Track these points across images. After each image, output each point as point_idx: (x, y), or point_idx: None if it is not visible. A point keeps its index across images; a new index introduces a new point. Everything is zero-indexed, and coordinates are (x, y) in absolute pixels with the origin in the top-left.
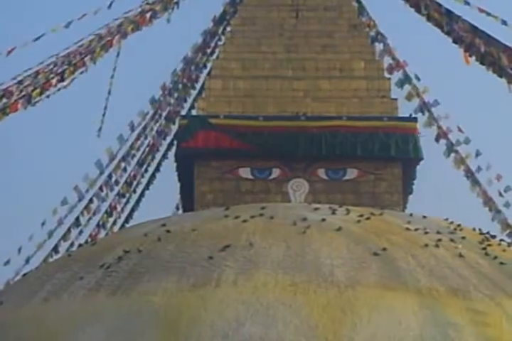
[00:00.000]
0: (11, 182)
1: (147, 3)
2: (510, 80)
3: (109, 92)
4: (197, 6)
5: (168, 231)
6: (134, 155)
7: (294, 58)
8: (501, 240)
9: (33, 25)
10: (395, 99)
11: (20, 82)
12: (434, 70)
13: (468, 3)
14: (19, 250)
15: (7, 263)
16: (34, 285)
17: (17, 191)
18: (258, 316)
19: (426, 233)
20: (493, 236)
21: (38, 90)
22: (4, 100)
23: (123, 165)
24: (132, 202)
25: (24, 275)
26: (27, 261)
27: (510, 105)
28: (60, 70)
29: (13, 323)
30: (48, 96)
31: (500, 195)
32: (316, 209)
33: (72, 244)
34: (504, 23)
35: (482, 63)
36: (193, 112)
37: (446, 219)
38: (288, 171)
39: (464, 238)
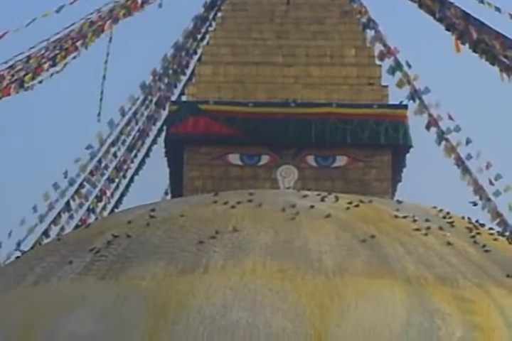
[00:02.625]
0: (2, 166)
1: None
2: (503, 68)
3: (104, 77)
4: None
5: (156, 216)
6: (124, 141)
7: (285, 44)
8: (490, 229)
9: (24, 10)
10: (386, 86)
11: (11, 67)
12: (425, 57)
13: None
14: (9, 234)
15: None
16: (24, 268)
17: (8, 175)
18: (246, 302)
19: (415, 221)
20: (482, 225)
21: (30, 75)
22: None
23: (113, 150)
24: (122, 187)
25: (15, 258)
26: (18, 244)
27: (502, 93)
28: (51, 55)
29: (1, 306)
30: (40, 82)
31: (491, 183)
32: (305, 196)
33: (62, 228)
34: (498, 10)
35: (475, 51)
36: (183, 98)
37: (435, 207)
38: (277, 158)
39: (452, 226)
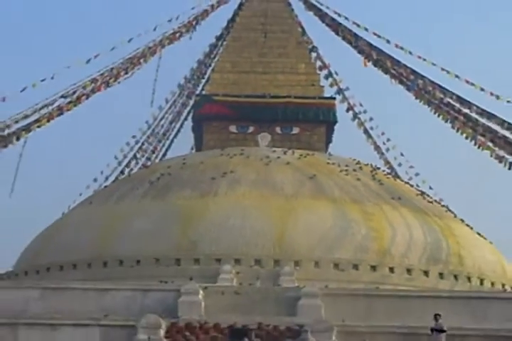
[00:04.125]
0: (99, 135)
1: (178, 27)
2: (393, 77)
3: (156, 80)
4: (207, 29)
5: (186, 163)
6: (167, 118)
7: (263, 61)
8: (384, 171)
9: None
10: (323, 86)
11: (102, 74)
12: (346, 69)
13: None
14: (101, 172)
15: (95, 180)
16: (109, 192)
17: (101, 139)
18: (239, 213)
19: (339, 166)
20: (379, 168)
21: (112, 79)
22: (92, 85)
23: (161, 123)
24: (166, 145)
25: (104, 187)
26: (106, 178)
27: (394, 90)
28: (126, 67)
29: (96, 216)
30: (118, 82)
31: (384, 143)
32: (274, 151)
33: (131, 170)
34: (388, 41)
35: (375, 65)
36: (203, 92)
37: (351, 158)
38: (258, 128)
39: (361, 169)
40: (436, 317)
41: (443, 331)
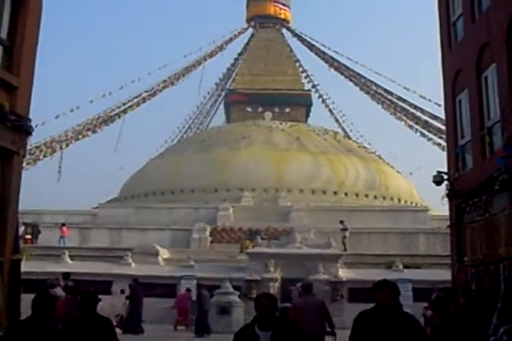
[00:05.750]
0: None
1: (215, 48)
2: (346, 77)
3: (201, 80)
4: (232, 49)
5: (220, 130)
6: (209, 103)
7: (267, 68)
8: (341, 134)
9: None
10: (303, 83)
11: (169, 77)
12: (318, 72)
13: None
14: (169, 137)
15: (166, 142)
16: (174, 149)
17: (168, 113)
18: (253, 160)
19: (314, 131)
20: (338, 132)
21: (175, 80)
22: (163, 83)
23: (205, 107)
24: (208, 120)
25: (172, 146)
26: (172, 140)
27: (348, 85)
28: (183, 72)
29: (167, 163)
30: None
31: (341, 117)
32: (274, 123)
33: (188, 135)
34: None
35: (335, 70)
36: (230, 87)
37: (321, 126)
38: (264, 109)
39: (327, 133)
40: (342, 221)
41: (346, 229)
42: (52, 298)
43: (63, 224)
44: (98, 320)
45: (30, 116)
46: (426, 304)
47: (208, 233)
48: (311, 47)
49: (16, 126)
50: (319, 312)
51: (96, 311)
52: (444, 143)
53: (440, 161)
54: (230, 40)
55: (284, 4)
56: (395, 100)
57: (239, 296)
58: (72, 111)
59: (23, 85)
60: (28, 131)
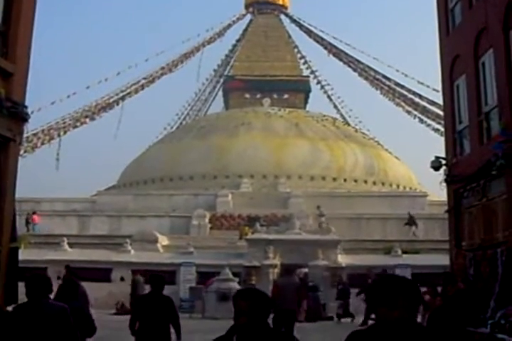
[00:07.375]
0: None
1: (214, 34)
2: (345, 63)
3: (199, 67)
4: (231, 35)
5: (219, 116)
6: (207, 90)
7: (265, 54)
8: (339, 120)
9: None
10: (302, 69)
11: (167, 64)
12: (317, 58)
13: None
14: (168, 124)
15: (165, 129)
16: (173, 135)
17: (175, 101)
18: (252, 147)
19: (312, 117)
20: (336, 119)
21: (173, 67)
22: (162, 70)
23: (204, 93)
24: (207, 106)
25: (170, 132)
26: (171, 127)
27: (347, 72)
28: (182, 59)
29: (166, 150)
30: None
31: (339, 103)
32: (273, 109)
33: (186, 121)
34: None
35: (334, 55)
36: (230, 73)
37: (320, 112)
38: (263, 95)
39: (326, 119)
40: (318, 206)
41: (323, 215)
42: (47, 277)
43: (34, 212)
44: (163, 298)
45: (27, 103)
46: (425, 289)
47: (207, 220)
48: (309, 33)
49: (12, 113)
50: (296, 291)
51: (162, 291)
52: (442, 129)
53: (439, 147)
54: (229, 26)
55: None
56: (393, 86)
57: (238, 282)
58: (68, 97)
59: (18, 71)
60: (24, 118)
